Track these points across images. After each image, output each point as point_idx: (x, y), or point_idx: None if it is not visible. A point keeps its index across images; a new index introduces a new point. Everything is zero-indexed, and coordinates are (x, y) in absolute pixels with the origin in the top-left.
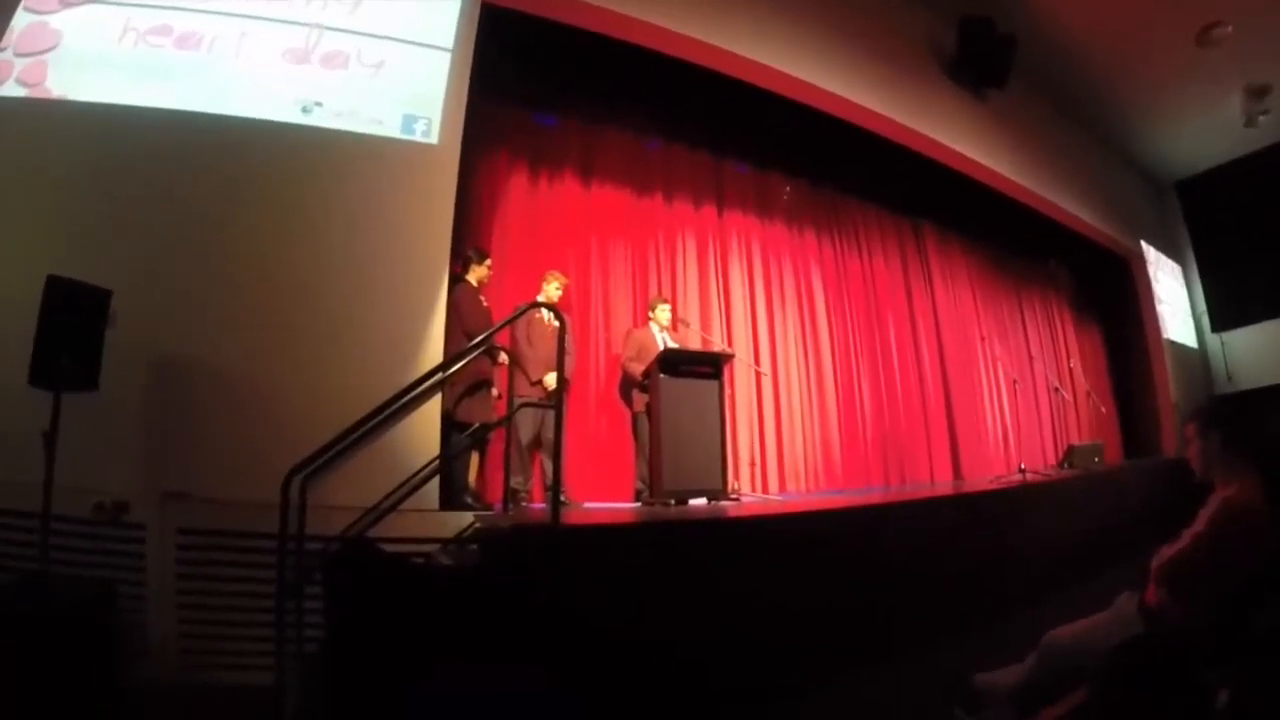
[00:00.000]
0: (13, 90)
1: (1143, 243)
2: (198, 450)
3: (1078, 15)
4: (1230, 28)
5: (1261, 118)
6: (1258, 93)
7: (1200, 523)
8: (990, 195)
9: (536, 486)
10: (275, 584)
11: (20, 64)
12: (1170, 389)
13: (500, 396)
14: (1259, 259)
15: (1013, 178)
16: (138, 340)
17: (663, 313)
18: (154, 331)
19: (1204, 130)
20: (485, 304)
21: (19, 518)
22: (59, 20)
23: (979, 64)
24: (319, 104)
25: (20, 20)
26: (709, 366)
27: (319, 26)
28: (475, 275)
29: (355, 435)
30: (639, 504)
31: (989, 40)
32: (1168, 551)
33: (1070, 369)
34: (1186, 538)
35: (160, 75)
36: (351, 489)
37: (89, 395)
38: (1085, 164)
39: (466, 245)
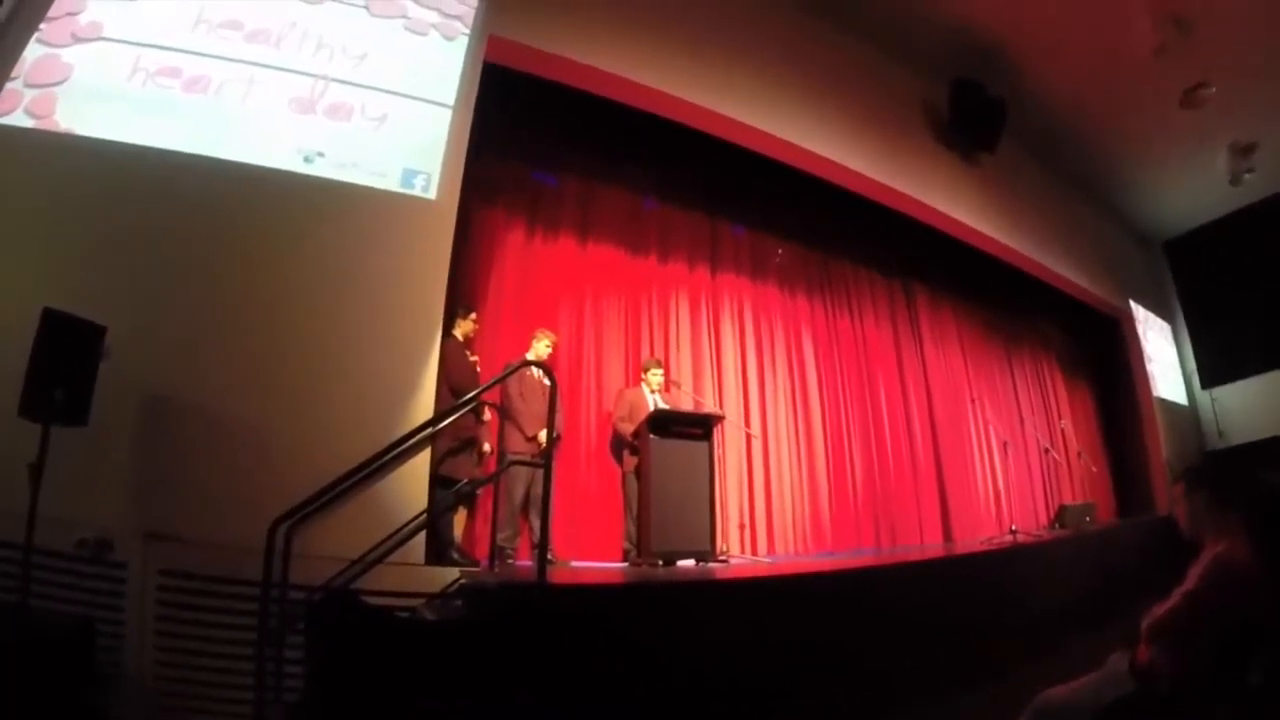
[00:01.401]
0: (21, 120)
1: (1132, 302)
2: (184, 492)
3: (1066, 78)
4: (1214, 89)
5: (1246, 176)
6: (1243, 151)
7: (1190, 581)
8: (980, 257)
9: (524, 544)
10: (257, 631)
11: (30, 95)
12: (1162, 447)
13: (491, 453)
14: (1246, 315)
15: (1003, 240)
16: (129, 378)
17: (655, 376)
18: (146, 370)
19: (1191, 190)
20: (472, 359)
21: (1, 548)
22: (71, 54)
23: (970, 128)
24: (321, 154)
25: (33, 52)
26: (699, 428)
27: (325, 78)
28: (461, 330)
29: (343, 486)
30: (627, 564)
31: (979, 104)
32: (1158, 610)
33: (1061, 429)
34: (1177, 596)
35: (167, 116)
36: (337, 540)
37: (78, 429)
38: (1074, 225)
39: (457, 300)
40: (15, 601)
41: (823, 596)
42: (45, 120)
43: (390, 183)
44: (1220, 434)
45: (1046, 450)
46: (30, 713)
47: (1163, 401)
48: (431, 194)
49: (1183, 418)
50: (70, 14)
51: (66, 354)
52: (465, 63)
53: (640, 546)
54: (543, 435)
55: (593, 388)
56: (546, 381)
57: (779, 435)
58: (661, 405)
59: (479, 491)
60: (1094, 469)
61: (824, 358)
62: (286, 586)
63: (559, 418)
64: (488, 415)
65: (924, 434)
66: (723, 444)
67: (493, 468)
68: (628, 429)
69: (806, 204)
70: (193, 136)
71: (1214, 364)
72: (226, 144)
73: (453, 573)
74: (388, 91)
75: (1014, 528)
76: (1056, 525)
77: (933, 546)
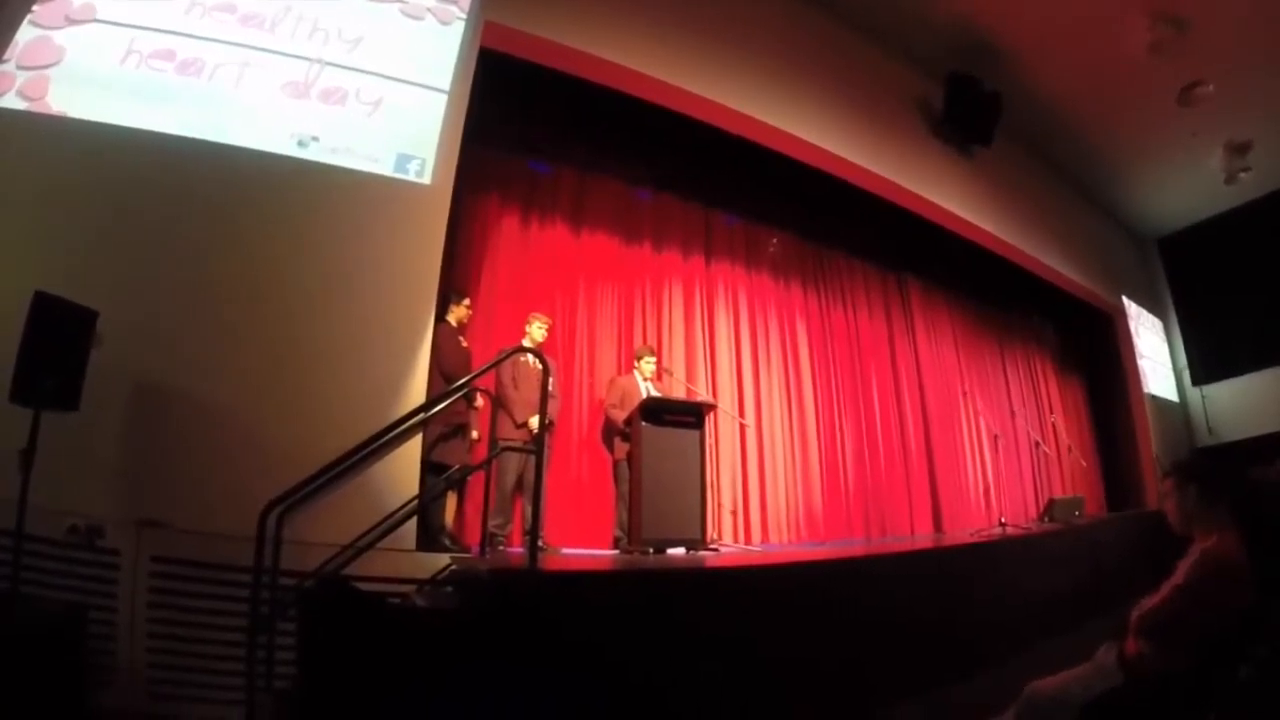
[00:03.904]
0: (13, 103)
1: (1124, 298)
2: (175, 478)
3: (1062, 74)
4: (1211, 86)
5: (1241, 175)
6: (1239, 150)
7: (1179, 575)
8: (974, 250)
9: (515, 531)
10: (248, 618)
11: (22, 77)
12: (1151, 442)
13: (479, 439)
14: (1238, 314)
15: (997, 234)
16: (121, 363)
17: (648, 364)
18: (137, 355)
19: (1186, 187)
20: (464, 345)
21: None
22: (64, 37)
23: (965, 121)
24: (315, 138)
25: (25, 34)
26: (691, 416)
27: (320, 62)
28: (454, 316)
29: (334, 472)
30: (617, 551)
31: (975, 98)
32: (1147, 603)
33: (1052, 423)
34: (1166, 590)
35: (160, 99)
36: (328, 526)
37: (69, 415)
38: (1069, 221)
39: (450, 286)
40: (6, 589)
41: (813, 585)
42: (38, 103)
43: (384, 168)
44: (1210, 431)
45: (1037, 444)
46: (22, 701)
47: (1153, 398)
48: (426, 180)
49: (1173, 414)
50: None
51: (58, 339)
52: (461, 48)
53: (631, 534)
54: (535, 421)
55: (585, 375)
56: (540, 367)
57: (772, 424)
58: (654, 393)
59: (469, 478)
60: (1084, 463)
61: (817, 348)
62: (278, 572)
63: (553, 403)
64: (480, 401)
65: (916, 425)
66: (715, 432)
67: (482, 454)
68: (620, 416)
69: (801, 195)
70: (186, 120)
71: (1205, 361)
72: (220, 128)
73: (444, 559)
74: (383, 76)
75: (1003, 520)
76: (1045, 518)
77: (923, 537)
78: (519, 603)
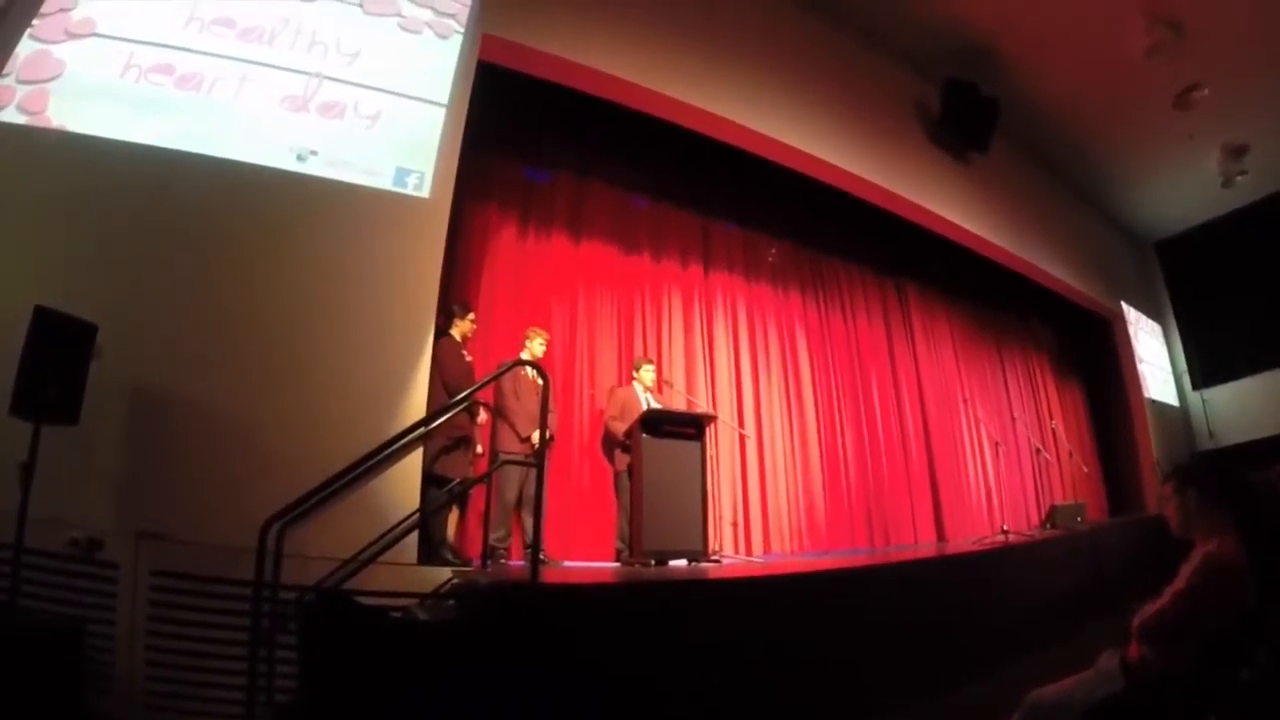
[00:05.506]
0: (13, 117)
1: (1123, 303)
2: (175, 491)
3: (1059, 79)
4: (1207, 90)
5: (1238, 178)
6: (1235, 153)
7: (1181, 579)
8: (972, 257)
9: (516, 544)
10: (248, 632)
11: (22, 91)
12: (1152, 447)
13: (482, 453)
14: (1238, 317)
15: (994, 240)
16: (120, 376)
17: (647, 373)
18: (137, 368)
19: (1182, 191)
20: (468, 358)
21: None
22: (63, 51)
23: (962, 128)
24: (314, 152)
25: (25, 48)
26: (691, 427)
27: (319, 75)
28: (459, 329)
29: (335, 485)
30: (619, 564)
31: (972, 104)
32: (1149, 608)
33: (1053, 429)
34: (1168, 594)
35: (159, 113)
36: (329, 539)
37: (69, 428)
38: (1066, 226)
39: (452, 298)
40: (6, 601)
41: (815, 596)
42: (38, 117)
43: (383, 181)
44: (1211, 435)
45: (1038, 450)
46: (20, 714)
47: (1153, 402)
48: (424, 193)
49: (1173, 418)
50: (63, 10)
51: (58, 352)
52: (459, 61)
53: (632, 546)
54: (536, 435)
55: (585, 386)
56: (540, 381)
57: (772, 435)
58: (654, 404)
59: (471, 491)
60: (1085, 469)
61: (817, 357)
62: (278, 586)
63: (552, 417)
64: (482, 415)
65: (917, 433)
66: (715, 443)
67: (484, 467)
68: (620, 428)
69: (799, 203)
70: (185, 134)
71: (1205, 365)
72: (219, 142)
73: (445, 572)
74: (381, 90)
75: (1005, 527)
76: (1047, 525)
77: (926, 546)
78: (521, 616)
